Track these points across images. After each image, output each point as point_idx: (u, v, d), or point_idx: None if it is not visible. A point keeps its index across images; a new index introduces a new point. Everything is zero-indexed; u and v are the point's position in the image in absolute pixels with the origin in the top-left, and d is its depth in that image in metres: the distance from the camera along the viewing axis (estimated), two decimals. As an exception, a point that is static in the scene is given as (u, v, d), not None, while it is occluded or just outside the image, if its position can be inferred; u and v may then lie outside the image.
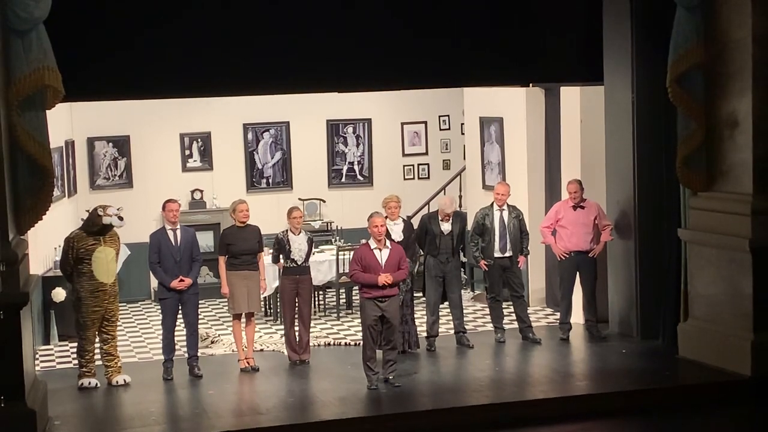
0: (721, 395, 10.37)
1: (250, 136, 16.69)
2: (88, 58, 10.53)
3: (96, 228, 10.88)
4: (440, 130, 17.54)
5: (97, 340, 11.01)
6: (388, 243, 10.76)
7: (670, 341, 11.72)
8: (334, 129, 17.07)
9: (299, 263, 11.72)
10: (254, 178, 16.73)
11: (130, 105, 15.04)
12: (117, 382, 11.00)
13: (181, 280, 11.22)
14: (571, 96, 13.52)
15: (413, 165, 17.50)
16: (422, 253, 12.31)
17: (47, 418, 9.79)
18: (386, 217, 11.67)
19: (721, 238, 10.81)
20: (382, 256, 10.64)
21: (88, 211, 11.34)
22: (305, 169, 16.89)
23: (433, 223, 12.10)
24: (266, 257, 12.09)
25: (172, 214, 11.32)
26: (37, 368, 11.15)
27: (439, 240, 12.02)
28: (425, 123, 17.49)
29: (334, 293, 14.71)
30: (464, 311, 12.57)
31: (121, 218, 10.86)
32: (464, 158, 16.58)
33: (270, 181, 16.81)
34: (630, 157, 12.10)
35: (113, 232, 11.04)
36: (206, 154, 16.49)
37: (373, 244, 10.70)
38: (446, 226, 12.05)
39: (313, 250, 12.31)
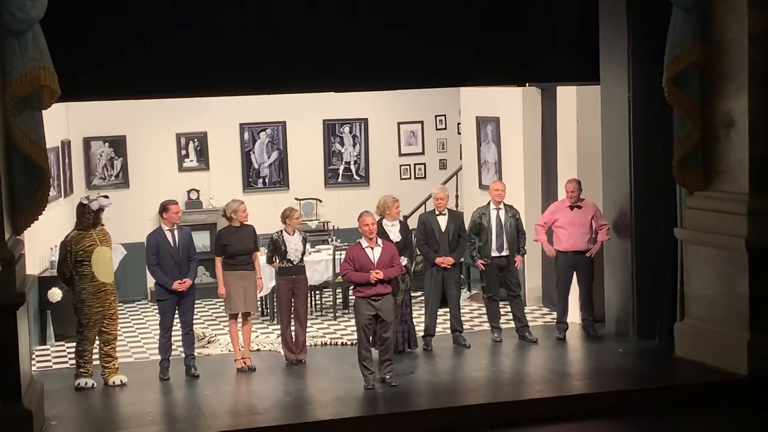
0: (718, 395, 10.37)
1: (246, 135, 16.68)
2: (84, 58, 10.52)
3: (89, 220, 10.87)
4: (437, 129, 17.54)
5: (97, 341, 11.01)
6: (379, 241, 10.77)
7: (666, 341, 11.73)
8: (331, 129, 17.07)
9: (295, 263, 11.72)
10: (251, 178, 16.72)
11: (127, 105, 15.01)
12: (114, 382, 10.99)
13: (182, 282, 11.21)
14: (567, 96, 13.52)
15: (410, 165, 17.49)
16: (419, 252, 12.34)
17: (43, 419, 9.78)
18: (382, 218, 11.69)
19: (718, 238, 10.82)
20: (375, 254, 10.65)
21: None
22: (302, 169, 16.88)
23: (431, 219, 12.11)
24: (261, 257, 12.06)
25: (177, 216, 11.30)
26: (34, 369, 11.12)
27: (438, 236, 12.02)
28: (422, 123, 17.49)
29: (331, 293, 14.71)
30: (461, 310, 12.57)
31: (106, 197, 10.94)
32: (461, 158, 16.57)
33: (266, 181, 16.80)
34: (626, 156, 12.11)
35: (105, 230, 11.04)
36: (202, 154, 16.47)
37: (364, 243, 10.71)
38: (443, 221, 12.03)
39: (310, 249, 12.29)
